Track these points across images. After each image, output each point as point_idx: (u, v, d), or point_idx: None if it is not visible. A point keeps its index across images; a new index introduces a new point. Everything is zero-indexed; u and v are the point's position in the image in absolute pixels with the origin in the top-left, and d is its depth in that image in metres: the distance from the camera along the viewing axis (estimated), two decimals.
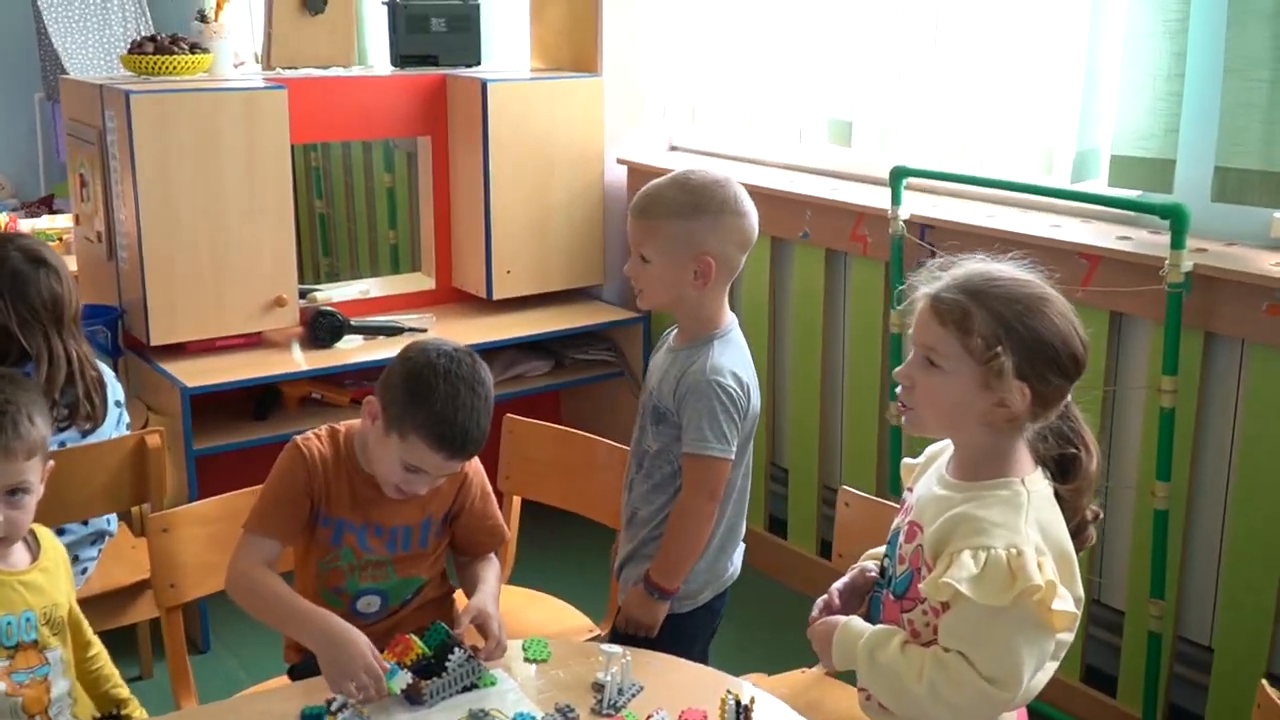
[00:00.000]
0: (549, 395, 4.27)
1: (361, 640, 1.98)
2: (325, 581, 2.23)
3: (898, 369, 1.82)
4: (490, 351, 3.82)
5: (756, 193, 3.70)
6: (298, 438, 2.21)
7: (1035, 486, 1.77)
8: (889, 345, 3.38)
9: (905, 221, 3.24)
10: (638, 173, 4.12)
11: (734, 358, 2.30)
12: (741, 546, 2.47)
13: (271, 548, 2.15)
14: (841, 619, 1.88)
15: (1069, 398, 1.79)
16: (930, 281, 1.80)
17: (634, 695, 2.02)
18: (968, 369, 1.73)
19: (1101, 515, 1.84)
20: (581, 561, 3.72)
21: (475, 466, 2.29)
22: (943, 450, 1.92)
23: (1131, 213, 3.01)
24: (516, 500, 2.87)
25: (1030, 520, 1.72)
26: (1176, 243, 2.67)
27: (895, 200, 3.22)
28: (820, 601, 1.98)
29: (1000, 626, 1.69)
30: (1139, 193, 2.91)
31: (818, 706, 2.44)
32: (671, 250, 2.25)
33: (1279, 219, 2.75)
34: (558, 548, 3.81)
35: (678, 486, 2.32)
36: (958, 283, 1.76)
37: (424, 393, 2.07)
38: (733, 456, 2.27)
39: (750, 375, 2.32)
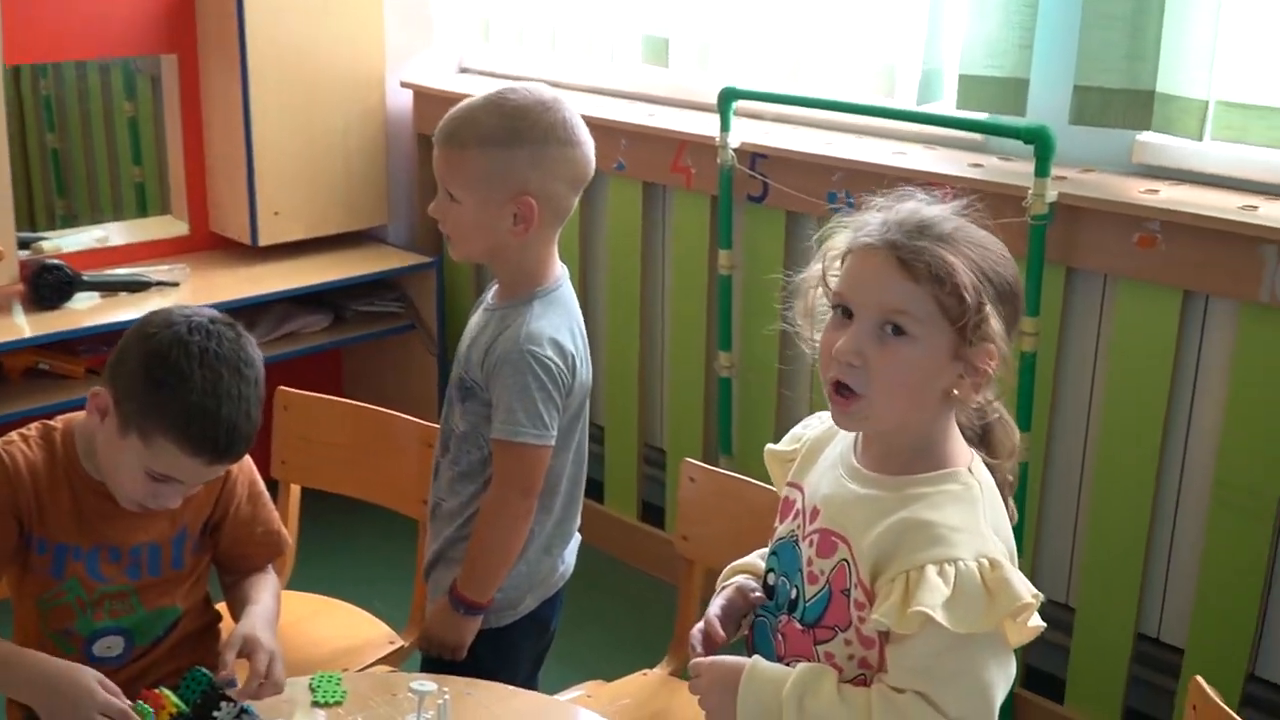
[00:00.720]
0: (329, 355, 3.80)
1: (86, 678, 1.57)
2: (50, 623, 1.76)
3: (840, 345, 1.39)
4: (258, 307, 3.35)
5: None
6: None
7: (982, 475, 1.43)
8: (716, 289, 3.04)
9: (734, 150, 2.89)
10: (425, 97, 3.66)
11: (556, 321, 1.91)
12: (575, 540, 2.09)
13: None
14: (740, 661, 1.49)
15: None
16: (861, 229, 1.42)
17: None
18: (942, 334, 1.37)
19: (1014, 484, 1.52)
20: (379, 559, 3.34)
21: (242, 464, 1.84)
22: (830, 435, 1.56)
23: (980, 138, 2.73)
24: (295, 490, 2.43)
25: (987, 516, 1.40)
26: (1041, 170, 2.40)
27: (724, 126, 2.87)
28: (698, 633, 1.60)
29: (971, 655, 1.36)
30: (988, 116, 2.63)
31: (665, 717, 2.11)
32: (485, 187, 1.85)
33: (1141, 142, 2.51)
34: (349, 544, 3.42)
35: (489, 475, 1.93)
36: (915, 228, 1.39)
37: (173, 381, 1.61)
38: (551, 443, 1.89)
39: (577, 342, 1.94)
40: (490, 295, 2.00)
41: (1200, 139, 2.38)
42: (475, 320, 1.99)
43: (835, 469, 1.50)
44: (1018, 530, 2.51)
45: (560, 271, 1.96)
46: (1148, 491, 2.48)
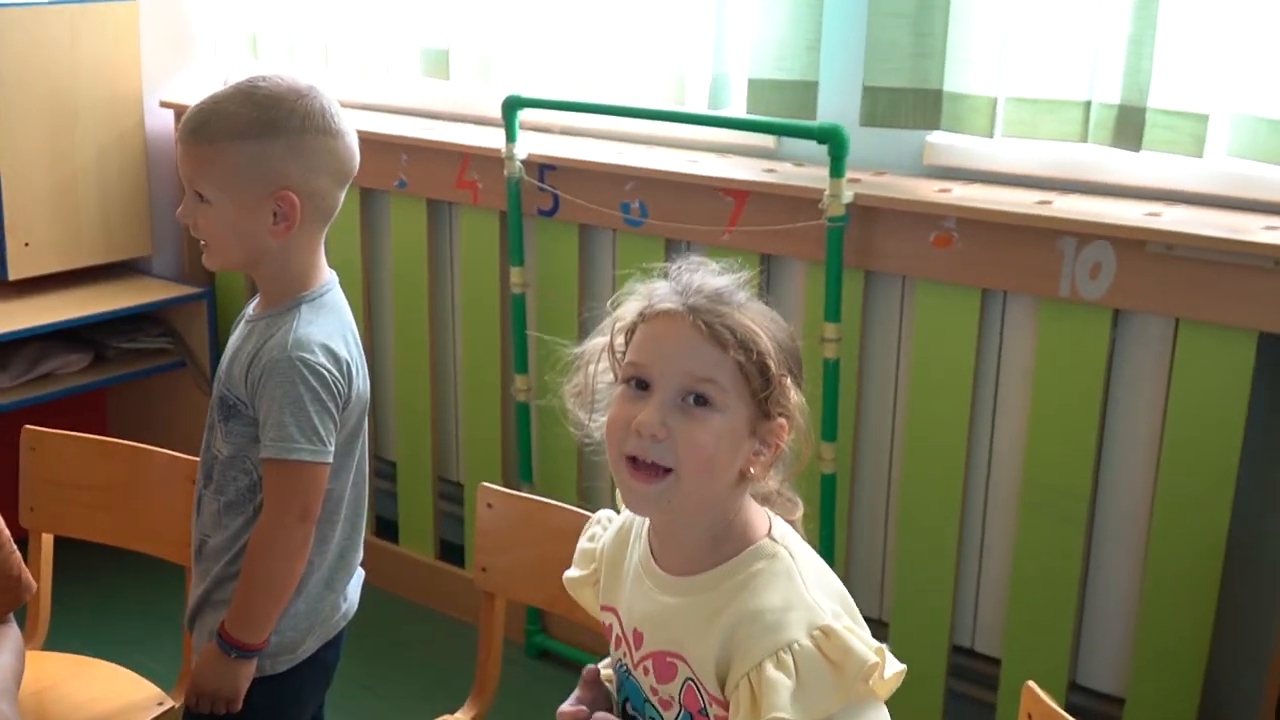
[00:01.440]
0: (91, 397, 3.50)
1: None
2: None
3: (641, 418, 1.27)
4: (9, 345, 3.06)
5: None
6: None
7: (785, 537, 1.33)
8: (510, 308, 2.89)
9: (522, 162, 2.75)
10: None
11: (327, 327, 1.74)
12: (359, 575, 1.91)
13: None
14: None
15: None
16: (655, 297, 1.31)
17: None
18: (744, 406, 1.27)
19: (800, 510, 1.41)
20: (145, 612, 3.07)
21: None
22: (622, 542, 1.43)
23: (772, 145, 2.67)
24: (47, 539, 2.18)
25: (809, 581, 1.29)
26: (836, 170, 2.34)
27: (510, 137, 2.73)
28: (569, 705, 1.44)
29: None
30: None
31: None
32: (240, 184, 1.67)
33: (932, 143, 2.48)
34: (110, 598, 3.15)
35: (259, 503, 1.74)
36: (713, 294, 1.29)
37: None
38: (329, 460, 1.71)
39: (351, 349, 1.77)
40: (251, 307, 1.81)
41: (991, 136, 2.37)
42: (236, 335, 1.80)
43: (641, 583, 1.38)
44: (826, 544, 2.47)
45: (329, 276, 1.79)
46: (955, 497, 2.43)
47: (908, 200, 2.33)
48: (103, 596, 3.12)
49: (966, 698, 2.56)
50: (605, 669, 1.50)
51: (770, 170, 2.56)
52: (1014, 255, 2.26)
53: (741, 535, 1.32)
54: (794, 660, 1.23)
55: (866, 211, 2.39)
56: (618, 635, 1.41)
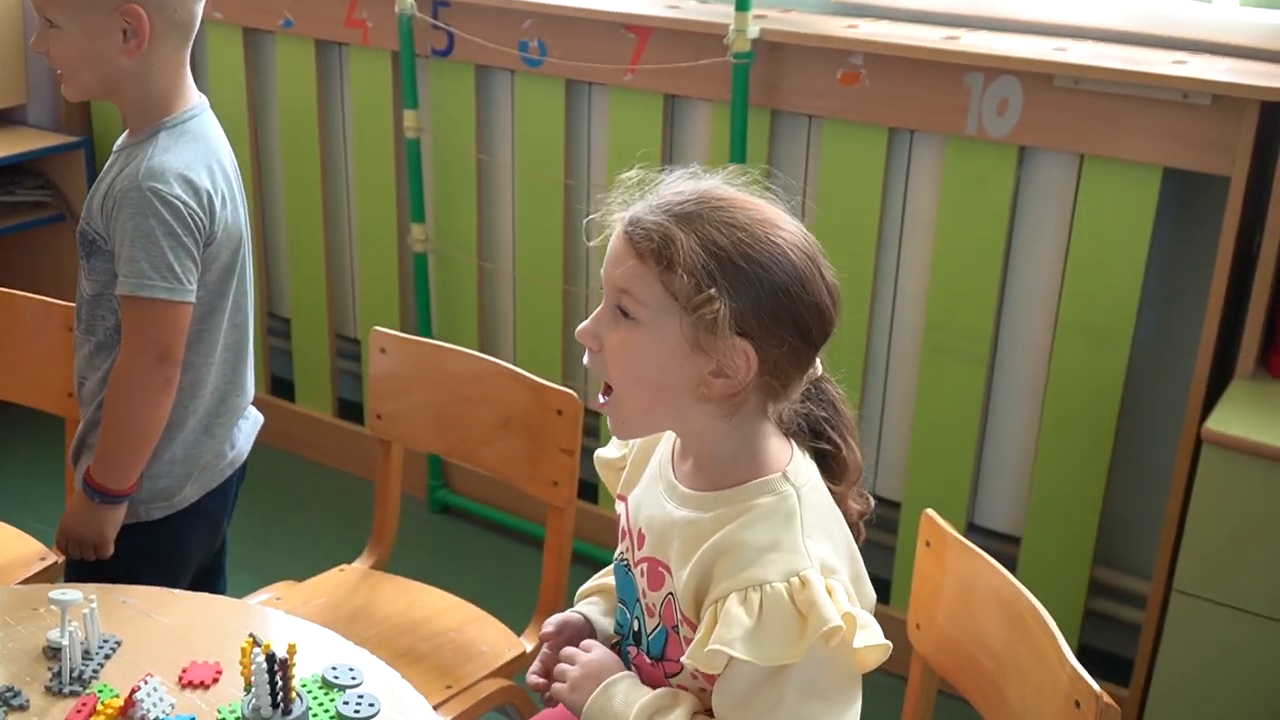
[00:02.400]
0: None
1: None
2: None
3: (581, 326, 1.25)
4: None
5: None
6: None
7: (801, 477, 1.26)
8: (404, 154, 2.79)
9: None
10: None
11: (187, 155, 1.63)
12: (252, 422, 1.83)
13: None
14: (616, 665, 1.34)
15: (818, 369, 1.29)
16: (628, 202, 1.24)
17: (108, 657, 1.40)
18: (672, 320, 1.19)
19: (872, 506, 1.35)
20: (23, 463, 2.97)
21: None
22: (655, 437, 1.37)
23: None
24: None
25: (808, 527, 1.23)
26: (741, 4, 2.26)
27: None
28: (536, 668, 1.39)
29: (793, 687, 1.19)
30: None
31: (368, 612, 1.91)
32: (81, 4, 1.57)
33: None
34: None
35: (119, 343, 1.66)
36: (663, 203, 1.21)
37: None
38: (189, 299, 1.62)
39: (218, 180, 1.66)
40: (122, 138, 1.70)
41: None
42: (105, 167, 1.69)
43: (655, 485, 1.32)
44: None
45: (197, 100, 1.69)
46: (860, 339, 2.42)
47: (815, 35, 2.26)
48: None
49: (867, 542, 2.57)
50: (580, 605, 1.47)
51: (674, 6, 2.47)
52: (921, 92, 2.21)
53: (753, 465, 1.25)
54: (760, 600, 1.18)
55: (773, 48, 2.32)
56: (624, 529, 1.37)
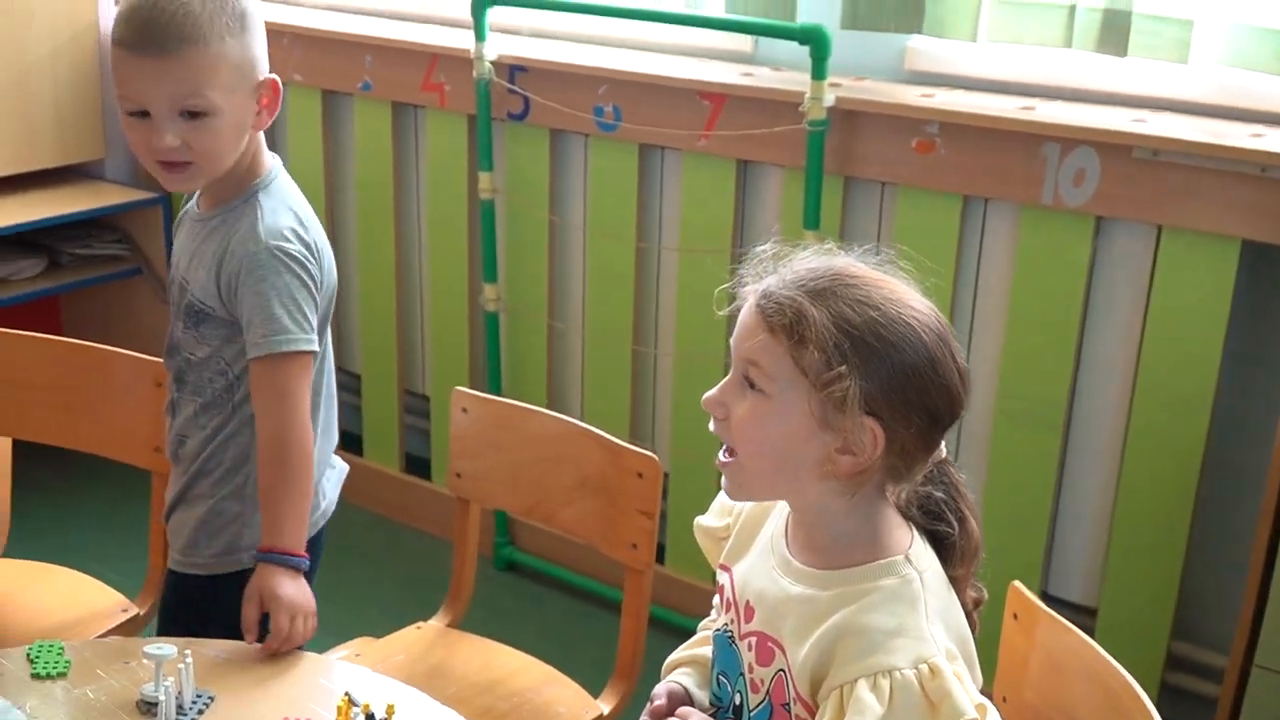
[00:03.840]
0: (45, 303, 3.41)
1: None
2: None
3: (708, 395, 1.27)
4: None
5: (300, 35, 3.06)
6: None
7: (923, 561, 1.26)
8: (478, 215, 2.83)
9: (492, 63, 2.68)
10: None
11: (290, 211, 1.66)
12: (339, 472, 1.85)
13: None
14: None
15: (942, 452, 1.29)
16: (760, 275, 1.27)
17: (201, 712, 1.43)
18: (800, 395, 1.20)
19: (985, 599, 1.35)
20: (104, 518, 3.00)
21: None
22: (764, 509, 1.38)
23: (749, 49, 2.61)
24: (4, 443, 2.12)
25: (931, 613, 1.23)
26: (818, 72, 2.29)
27: (479, 36, 2.65)
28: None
29: None
30: None
31: (446, 670, 1.92)
32: (237, 83, 1.57)
33: (913, 48, 2.43)
34: (71, 501, 3.08)
35: (237, 402, 1.68)
36: (797, 278, 1.23)
37: None
38: (317, 346, 1.65)
39: (317, 228, 1.69)
40: (194, 206, 1.72)
41: (974, 41, 2.32)
42: (184, 237, 1.71)
43: (767, 558, 1.32)
44: None
45: (274, 160, 1.71)
46: None
47: (890, 104, 2.29)
48: (62, 502, 3.06)
49: None
50: (683, 658, 1.47)
51: (748, 74, 2.51)
52: (997, 161, 2.23)
53: (874, 545, 1.25)
54: (890, 687, 1.17)
55: (847, 116, 2.34)
56: (729, 599, 1.37)
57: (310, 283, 1.63)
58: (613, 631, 1.85)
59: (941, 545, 1.30)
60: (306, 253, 1.63)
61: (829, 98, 2.30)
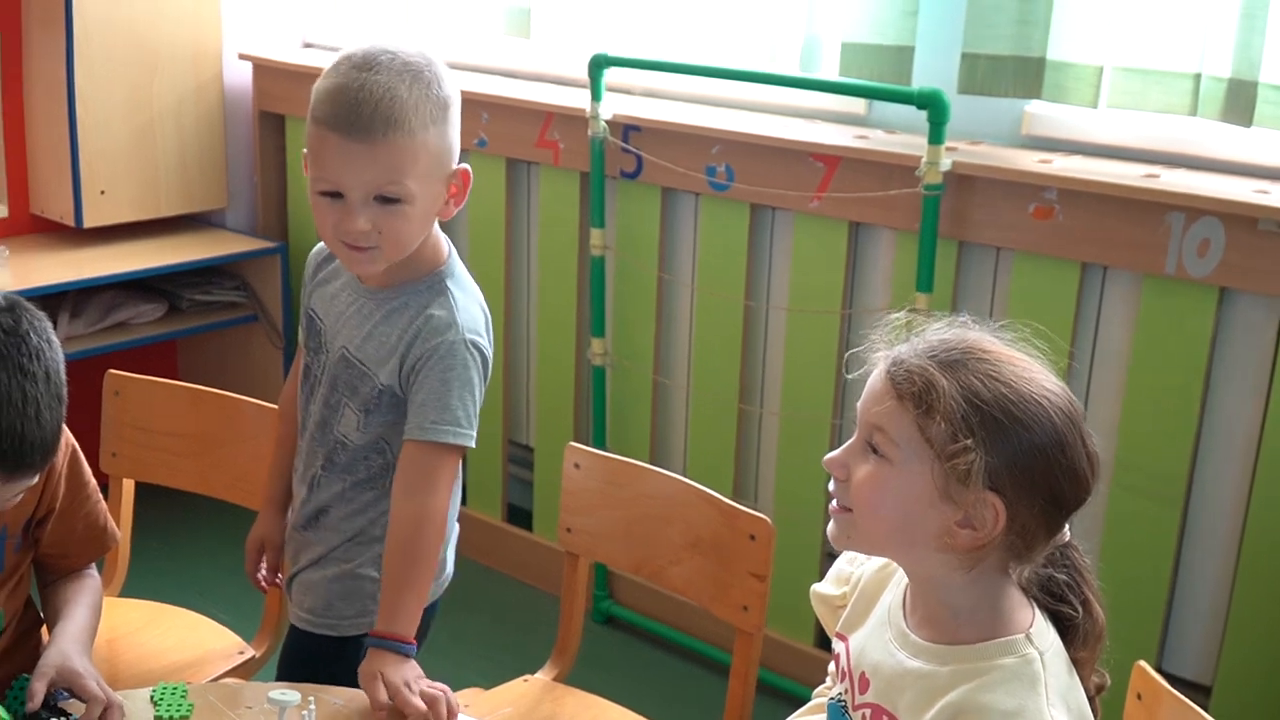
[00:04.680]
0: (162, 347, 3.51)
1: None
2: None
3: (830, 455, 1.28)
4: (84, 292, 3.07)
5: None
6: None
7: (1044, 641, 1.23)
8: (588, 270, 2.86)
9: (607, 122, 2.71)
10: (266, 71, 3.40)
11: (478, 306, 1.67)
12: (455, 532, 1.87)
13: None
14: None
15: (1066, 535, 1.27)
16: (892, 341, 1.28)
17: None
18: (924, 465, 1.20)
19: (1108, 684, 1.32)
20: (222, 560, 3.07)
21: (65, 450, 1.59)
22: (883, 580, 1.37)
23: (863, 111, 2.62)
24: (129, 485, 2.17)
25: (1052, 694, 1.20)
26: (935, 137, 2.29)
27: (595, 96, 2.69)
28: None
29: None
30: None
31: None
32: (434, 171, 1.57)
33: (1031, 113, 2.42)
34: (190, 544, 3.15)
35: (389, 480, 1.66)
36: (929, 348, 1.23)
37: None
38: (474, 444, 1.65)
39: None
40: (350, 277, 1.68)
41: (1095, 107, 2.31)
42: (345, 308, 1.68)
43: (884, 630, 1.32)
44: None
45: (449, 242, 1.71)
46: None
47: (1009, 169, 2.28)
48: (182, 544, 3.12)
49: None
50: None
51: (862, 136, 2.51)
52: (1119, 229, 2.20)
53: (995, 622, 1.23)
54: None
55: (962, 180, 2.34)
56: (844, 669, 1.36)
57: (484, 383, 1.64)
58: (713, 690, 1.84)
59: (1064, 626, 1.27)
60: (489, 353, 1.65)
61: (945, 162, 2.30)
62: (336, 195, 1.55)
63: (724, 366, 2.76)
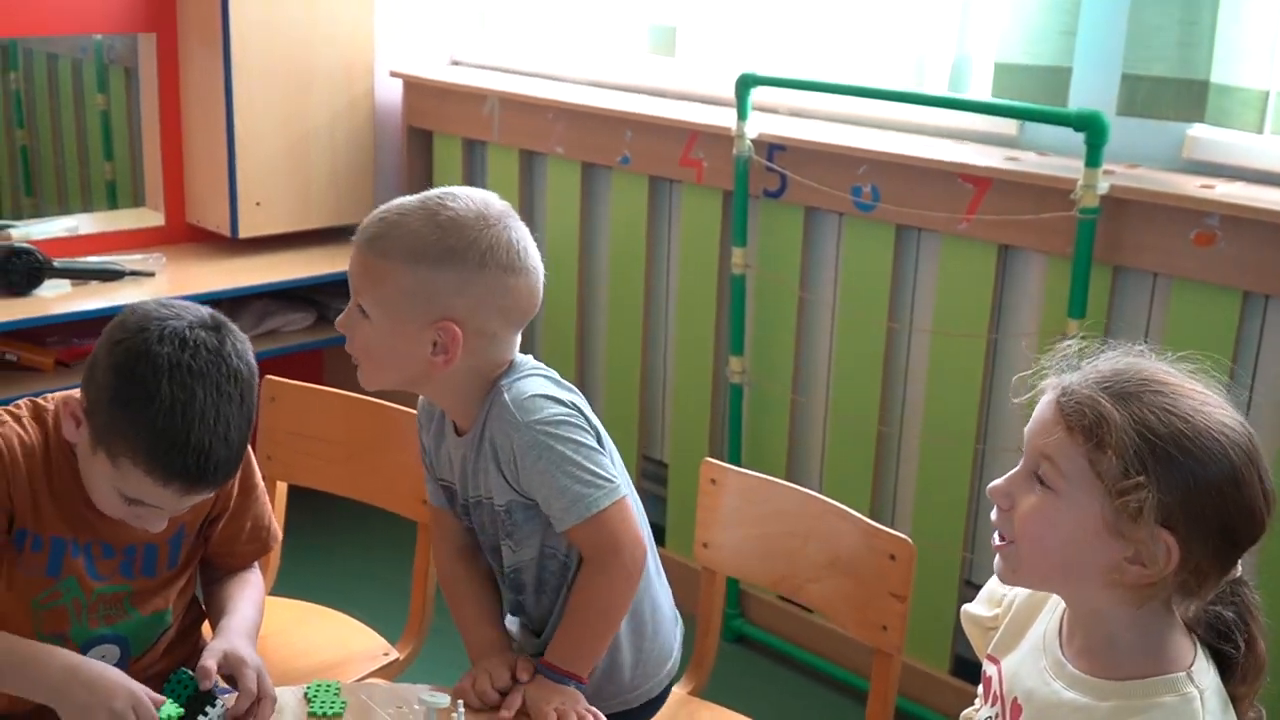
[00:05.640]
0: (309, 356, 3.59)
1: (121, 686, 1.39)
2: (45, 628, 1.56)
3: (994, 484, 1.26)
4: (236, 301, 3.15)
5: (564, 109, 3.23)
6: None
7: (1204, 680, 1.20)
8: (728, 290, 2.86)
9: (752, 141, 2.72)
10: (416, 88, 3.48)
11: (531, 380, 1.61)
12: (679, 626, 1.86)
13: None
14: None
15: (1238, 571, 1.23)
16: (1063, 369, 1.26)
17: None
18: (1093, 499, 1.17)
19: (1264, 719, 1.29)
20: (370, 563, 3.15)
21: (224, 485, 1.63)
22: (1037, 605, 1.35)
23: (1013, 133, 2.58)
24: (282, 487, 2.23)
25: None
26: (1092, 160, 2.25)
27: (741, 115, 2.70)
28: None
29: None
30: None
31: None
32: (403, 308, 1.53)
33: (1193, 136, 2.35)
34: (337, 548, 3.24)
35: (578, 563, 1.66)
36: (1101, 378, 1.20)
37: (138, 399, 1.40)
38: (623, 490, 1.62)
39: (565, 384, 1.67)
40: (450, 429, 1.68)
41: (1260, 132, 2.24)
42: (455, 459, 1.68)
43: (1039, 658, 1.29)
44: None
45: (521, 360, 1.64)
46: None
47: (1170, 194, 2.22)
48: (329, 546, 3.20)
49: None
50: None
51: (1013, 158, 2.48)
52: None
53: (1157, 657, 1.21)
54: None
55: (1119, 204, 2.29)
56: (995, 693, 1.34)
57: (582, 436, 1.59)
58: (844, 711, 1.81)
59: (1225, 662, 1.24)
60: (565, 412, 1.59)
61: (1103, 185, 2.25)
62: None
63: (864, 387, 2.73)
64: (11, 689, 1.46)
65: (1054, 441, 1.20)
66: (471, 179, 3.45)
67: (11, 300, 2.86)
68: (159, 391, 1.39)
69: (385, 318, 1.54)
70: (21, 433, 1.51)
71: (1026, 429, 1.25)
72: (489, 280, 1.54)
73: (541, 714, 1.54)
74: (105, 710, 1.37)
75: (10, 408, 1.55)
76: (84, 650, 1.56)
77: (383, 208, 1.59)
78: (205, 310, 1.50)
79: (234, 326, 1.50)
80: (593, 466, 1.58)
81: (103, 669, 1.43)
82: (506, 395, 1.58)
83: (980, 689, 1.40)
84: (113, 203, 3.81)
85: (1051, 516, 1.20)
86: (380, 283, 1.53)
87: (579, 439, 1.58)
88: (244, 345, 1.49)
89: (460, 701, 1.51)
